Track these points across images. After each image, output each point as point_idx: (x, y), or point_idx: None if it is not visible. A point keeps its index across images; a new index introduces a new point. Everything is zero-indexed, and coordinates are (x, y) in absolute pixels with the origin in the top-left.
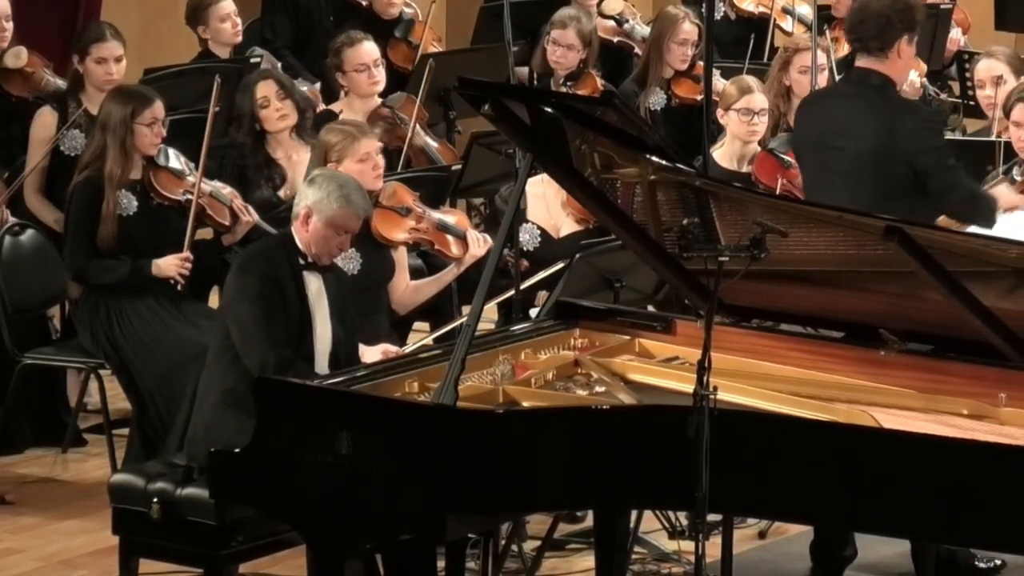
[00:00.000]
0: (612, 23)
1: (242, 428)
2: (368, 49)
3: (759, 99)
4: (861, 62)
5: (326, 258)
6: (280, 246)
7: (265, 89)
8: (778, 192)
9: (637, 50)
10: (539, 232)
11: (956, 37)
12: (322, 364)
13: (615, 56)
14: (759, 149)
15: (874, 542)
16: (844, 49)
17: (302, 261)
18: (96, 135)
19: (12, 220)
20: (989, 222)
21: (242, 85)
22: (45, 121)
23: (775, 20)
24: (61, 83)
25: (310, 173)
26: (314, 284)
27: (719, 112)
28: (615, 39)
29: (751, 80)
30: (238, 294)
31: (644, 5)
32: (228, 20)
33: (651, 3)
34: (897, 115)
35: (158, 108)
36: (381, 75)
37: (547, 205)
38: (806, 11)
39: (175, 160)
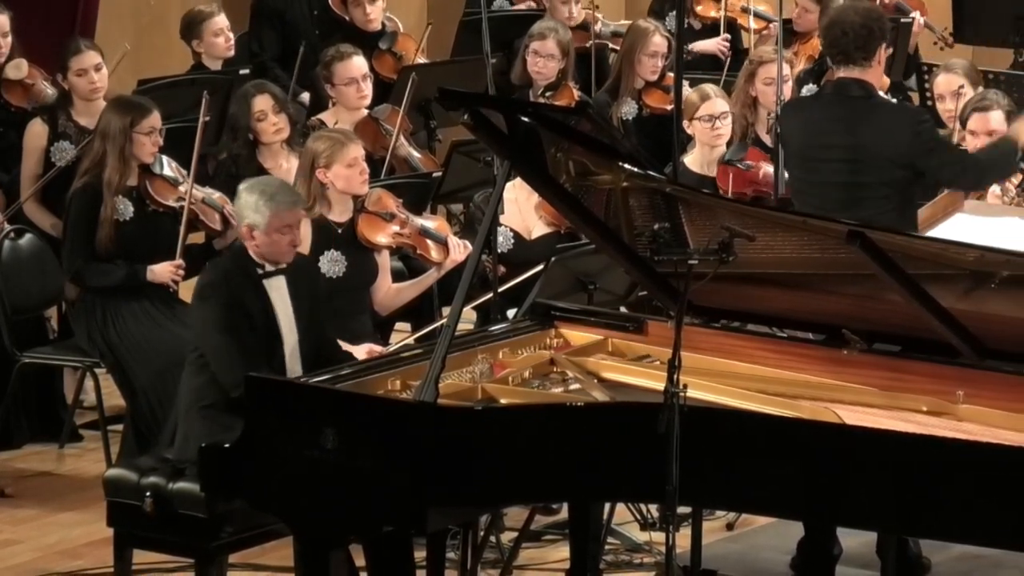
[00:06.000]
0: (581, 31)
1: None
2: (357, 64)
3: (719, 104)
4: (842, 73)
5: (286, 258)
6: (235, 264)
7: (262, 103)
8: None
9: (612, 46)
10: (512, 234)
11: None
12: (292, 366)
13: (588, 64)
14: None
15: (839, 533)
16: (802, 63)
17: (260, 271)
18: (96, 143)
19: (8, 227)
20: (1005, 171)
21: (238, 96)
22: (36, 131)
23: (738, 22)
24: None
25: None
26: (277, 290)
27: (686, 122)
28: (588, 44)
29: (709, 87)
30: (205, 325)
31: (616, 17)
32: (221, 35)
33: (623, 15)
34: (891, 120)
35: (156, 118)
36: (368, 89)
37: (519, 209)
38: (762, 9)
39: (169, 168)
